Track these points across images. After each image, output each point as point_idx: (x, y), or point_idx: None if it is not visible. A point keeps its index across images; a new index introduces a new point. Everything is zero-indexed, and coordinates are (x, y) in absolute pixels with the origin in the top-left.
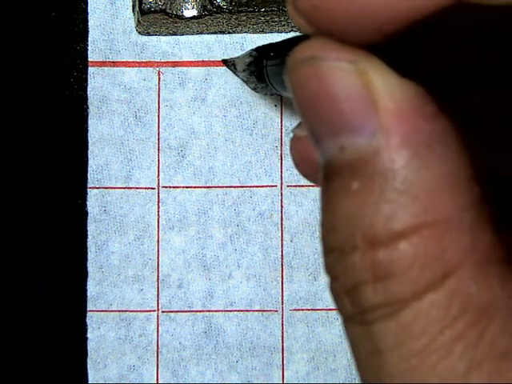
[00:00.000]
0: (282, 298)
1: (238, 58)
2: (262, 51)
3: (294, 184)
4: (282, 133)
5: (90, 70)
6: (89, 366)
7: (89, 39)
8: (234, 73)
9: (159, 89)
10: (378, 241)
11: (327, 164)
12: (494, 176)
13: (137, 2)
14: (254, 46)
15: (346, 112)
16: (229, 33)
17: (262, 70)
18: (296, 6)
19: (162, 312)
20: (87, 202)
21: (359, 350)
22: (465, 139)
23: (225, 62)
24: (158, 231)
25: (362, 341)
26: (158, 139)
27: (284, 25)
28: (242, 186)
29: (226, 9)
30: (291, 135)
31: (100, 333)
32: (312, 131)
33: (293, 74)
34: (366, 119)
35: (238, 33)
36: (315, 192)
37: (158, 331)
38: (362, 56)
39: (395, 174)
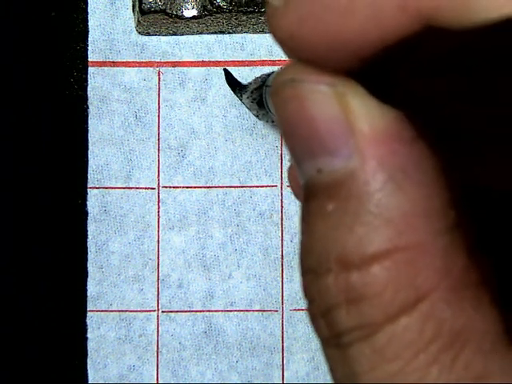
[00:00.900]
0: (282, 298)
1: (244, 85)
2: (265, 78)
3: None
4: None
5: (90, 70)
6: (89, 366)
7: (89, 39)
8: (240, 100)
9: (159, 89)
10: (350, 263)
11: (306, 185)
12: (474, 188)
13: (137, 2)
14: (254, 47)
15: (323, 134)
16: (229, 33)
17: (262, 97)
18: (275, 35)
19: (162, 312)
20: (87, 202)
21: (336, 372)
22: (443, 162)
23: (233, 89)
24: (158, 231)
25: (338, 363)
26: (158, 139)
27: None
28: (242, 186)
29: (226, 9)
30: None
31: (100, 333)
32: (293, 153)
33: (275, 96)
34: (343, 142)
35: (238, 33)
36: None
37: (158, 331)
38: (341, 80)
39: (370, 197)
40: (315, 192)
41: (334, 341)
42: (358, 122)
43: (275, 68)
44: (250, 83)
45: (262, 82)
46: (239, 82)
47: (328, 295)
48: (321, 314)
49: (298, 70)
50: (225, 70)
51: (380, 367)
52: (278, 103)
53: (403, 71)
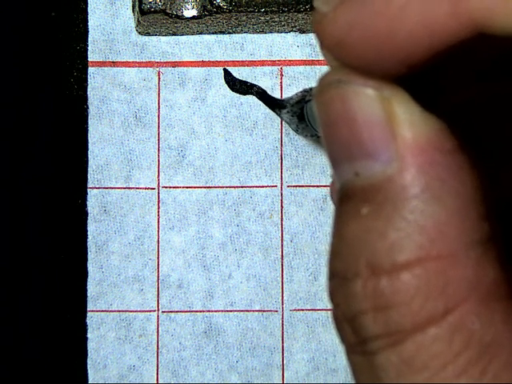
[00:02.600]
0: (282, 299)
1: (282, 100)
2: (306, 93)
3: (294, 184)
4: (281, 133)
5: (90, 70)
6: (89, 366)
7: (89, 39)
8: (278, 115)
9: (159, 89)
10: (380, 269)
11: (342, 188)
12: (507, 200)
13: (137, 2)
14: (254, 47)
15: (364, 137)
16: (229, 33)
17: (303, 110)
18: (322, 41)
19: (162, 312)
20: (87, 202)
21: (360, 380)
22: (480, 174)
23: (270, 106)
24: (158, 231)
25: (363, 371)
26: (158, 139)
27: (284, 25)
28: (242, 186)
29: (226, 9)
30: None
31: (100, 333)
32: (331, 155)
33: (319, 96)
34: (384, 147)
35: (238, 33)
36: (315, 192)
37: (157, 331)
38: (388, 85)
39: (405, 204)
40: (350, 195)
41: (359, 347)
42: (401, 128)
43: (275, 68)
44: (290, 98)
45: (303, 96)
46: (277, 99)
47: (355, 300)
48: (346, 319)
49: (344, 73)
50: (224, 70)
51: (407, 377)
52: (321, 103)
53: (450, 79)
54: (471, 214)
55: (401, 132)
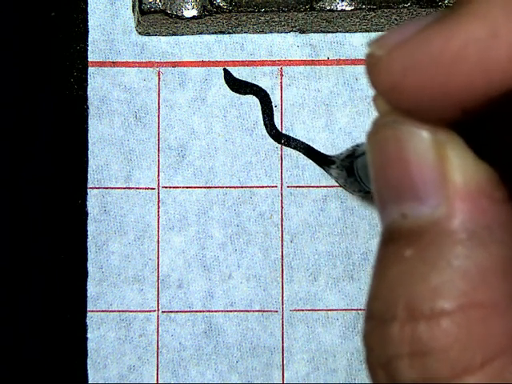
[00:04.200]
0: (282, 299)
1: (331, 156)
2: (355, 148)
3: (294, 185)
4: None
5: (90, 70)
6: (89, 366)
7: (89, 39)
8: (326, 170)
9: (159, 89)
10: (420, 314)
11: (387, 229)
12: None
13: (137, 2)
14: (254, 47)
15: (415, 179)
16: (229, 33)
17: (353, 164)
18: (376, 86)
19: (162, 312)
20: (87, 202)
21: None
22: None
23: (318, 163)
24: (158, 231)
25: None
26: (158, 139)
27: (284, 25)
28: (242, 187)
29: (226, 9)
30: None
31: (100, 333)
32: (379, 195)
33: (372, 136)
34: (434, 190)
35: (238, 33)
36: (315, 193)
37: (157, 331)
38: (442, 129)
39: (451, 249)
40: (395, 237)
41: None
42: (453, 174)
43: (275, 68)
44: (340, 154)
45: (353, 150)
46: (325, 155)
47: (391, 344)
48: (380, 364)
49: (399, 114)
50: (224, 70)
51: None
52: (373, 142)
53: (505, 126)
54: None
55: (452, 177)
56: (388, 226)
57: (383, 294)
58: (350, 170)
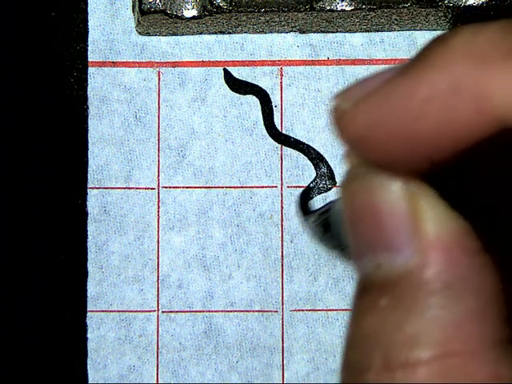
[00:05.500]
0: (282, 299)
1: (312, 210)
2: (332, 203)
3: (294, 185)
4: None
5: (90, 70)
6: (89, 366)
7: (89, 39)
8: (303, 223)
9: (159, 89)
10: (396, 362)
11: (362, 279)
12: None
13: (137, 2)
14: (254, 47)
15: (388, 230)
16: (229, 33)
17: (328, 220)
18: (343, 138)
19: (162, 312)
20: (87, 202)
21: None
22: (503, 275)
23: (301, 212)
24: (158, 231)
25: None
26: (158, 139)
27: (284, 25)
28: (242, 187)
29: (226, 9)
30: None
31: (100, 333)
32: (354, 246)
33: (345, 187)
34: (407, 241)
35: (238, 33)
36: None
37: (157, 331)
38: (414, 180)
39: (425, 299)
40: (370, 287)
41: None
42: (425, 224)
43: (275, 68)
44: (318, 208)
45: (330, 206)
46: (308, 208)
47: None
48: None
49: (369, 167)
50: (224, 70)
51: None
52: (347, 194)
53: (475, 175)
54: (492, 313)
55: (424, 228)
56: (363, 276)
57: (359, 343)
58: (327, 226)
